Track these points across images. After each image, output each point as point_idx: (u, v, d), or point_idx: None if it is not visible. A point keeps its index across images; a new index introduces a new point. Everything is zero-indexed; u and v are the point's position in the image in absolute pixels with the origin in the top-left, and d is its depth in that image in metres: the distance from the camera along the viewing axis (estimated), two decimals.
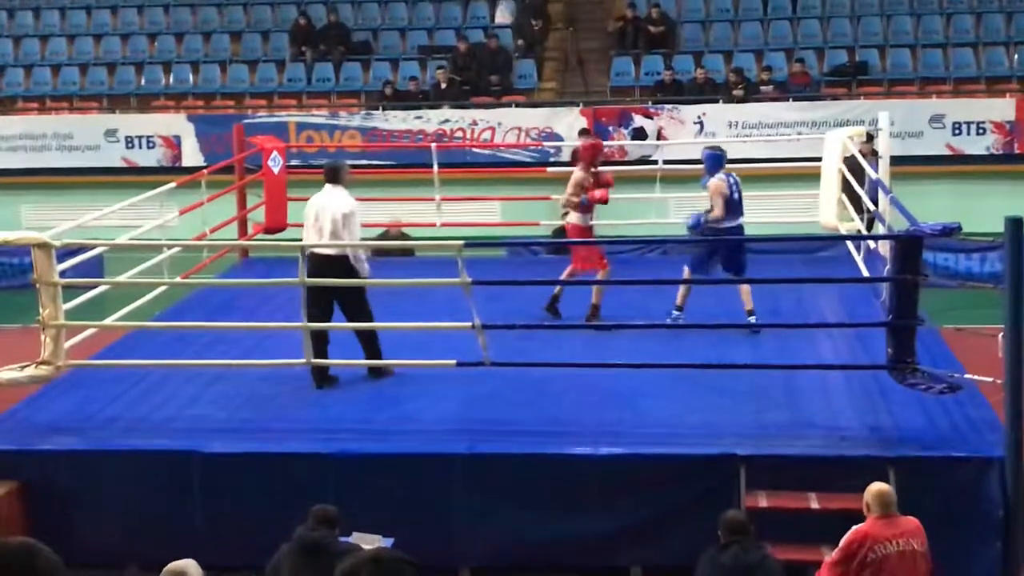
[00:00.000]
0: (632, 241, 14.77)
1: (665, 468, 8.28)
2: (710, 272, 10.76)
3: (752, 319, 10.43)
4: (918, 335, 8.31)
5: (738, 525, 7.02)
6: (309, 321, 8.99)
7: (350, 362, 9.49)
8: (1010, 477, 7.87)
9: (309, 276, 9.06)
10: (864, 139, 15.02)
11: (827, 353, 9.99)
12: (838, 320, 10.81)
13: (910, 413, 8.71)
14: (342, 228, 9.60)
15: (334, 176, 9.93)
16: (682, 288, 10.75)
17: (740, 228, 10.91)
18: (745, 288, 10.60)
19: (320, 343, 9.47)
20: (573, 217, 11.20)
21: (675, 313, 10.68)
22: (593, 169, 11.17)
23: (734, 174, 10.94)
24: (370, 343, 9.63)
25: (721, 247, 10.68)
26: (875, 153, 15.99)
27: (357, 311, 9.55)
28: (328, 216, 9.66)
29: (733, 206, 10.77)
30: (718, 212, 10.73)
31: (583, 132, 18.60)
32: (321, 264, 9.47)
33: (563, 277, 11.14)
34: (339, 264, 9.45)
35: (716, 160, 10.94)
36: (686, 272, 10.80)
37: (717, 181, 10.76)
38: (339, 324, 9.63)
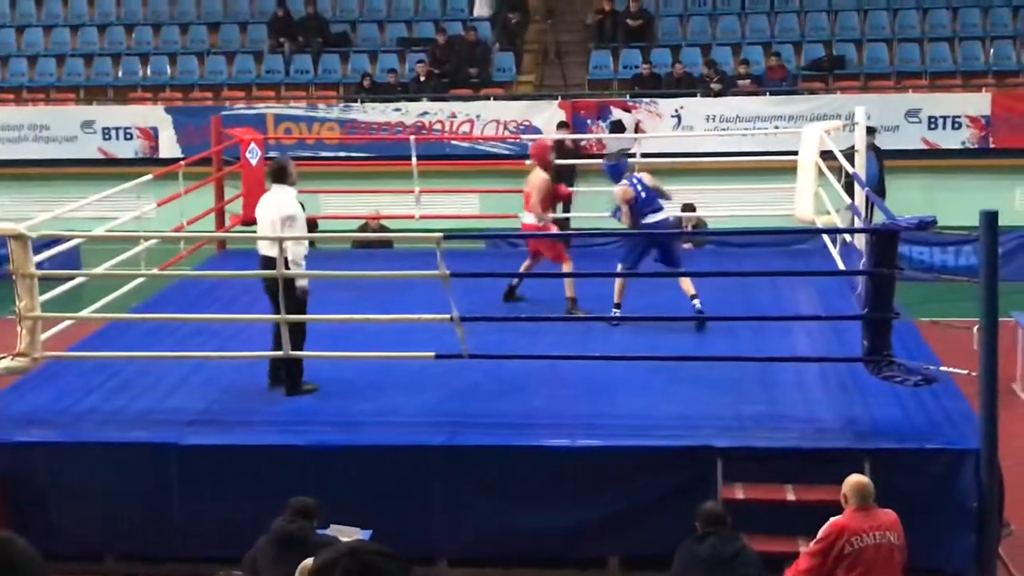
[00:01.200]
0: (608, 234, 14.78)
1: (642, 460, 8.31)
2: (640, 267, 10.85)
3: (696, 302, 10.51)
4: (894, 328, 8.35)
5: (715, 516, 7.06)
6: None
7: (323, 354, 9.46)
8: (984, 469, 7.92)
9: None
10: (866, 132, 15.23)
11: (803, 346, 10.03)
12: (815, 313, 10.86)
13: (886, 405, 8.75)
14: (281, 230, 9.19)
15: (279, 175, 9.56)
16: (618, 284, 10.82)
17: (667, 222, 11.04)
18: (686, 280, 10.69)
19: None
20: (528, 217, 11.39)
21: (614, 310, 10.73)
22: (551, 166, 11.51)
23: (638, 175, 11.02)
24: (295, 367, 9.33)
25: (653, 241, 10.76)
26: (876, 147, 16.17)
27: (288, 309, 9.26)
28: (267, 219, 9.36)
29: (645, 204, 10.85)
30: (626, 220, 10.90)
31: (561, 125, 18.67)
32: (264, 266, 9.38)
33: (523, 269, 11.40)
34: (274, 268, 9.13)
35: (614, 171, 11.16)
36: (619, 268, 10.86)
37: (620, 187, 10.92)
38: (313, 316, 9.60)
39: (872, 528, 6.85)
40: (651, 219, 10.87)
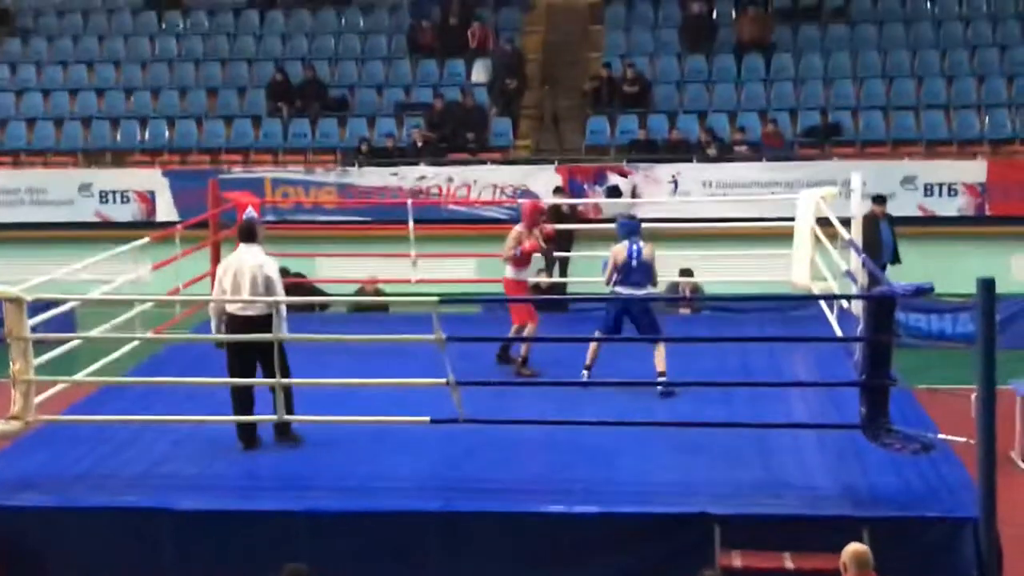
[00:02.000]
0: (606, 299, 14.77)
1: (639, 526, 8.25)
2: (619, 333, 10.87)
3: (663, 378, 10.49)
4: (891, 395, 8.33)
5: None
6: (232, 374, 9.38)
7: (319, 418, 9.42)
8: (984, 537, 7.87)
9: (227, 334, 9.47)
10: (877, 202, 16.08)
11: (800, 413, 9.99)
12: (812, 379, 10.83)
13: (884, 473, 8.71)
14: (262, 285, 9.46)
15: (249, 235, 9.80)
16: (592, 347, 10.85)
17: (640, 301, 10.92)
18: (660, 351, 10.67)
19: (246, 402, 9.52)
20: (508, 272, 11.54)
21: (584, 372, 10.77)
22: (535, 229, 11.62)
23: (641, 244, 10.98)
24: (285, 403, 9.34)
25: (631, 309, 10.76)
26: (888, 216, 16.36)
27: (271, 369, 9.25)
28: (248, 275, 9.51)
29: (628, 274, 10.84)
30: (607, 277, 10.97)
31: (557, 190, 18.74)
32: (243, 324, 9.44)
33: (512, 333, 11.46)
34: (261, 324, 9.31)
35: (625, 227, 11.15)
36: (596, 334, 10.89)
37: (617, 247, 10.97)
38: (309, 380, 9.59)
39: None
40: (623, 291, 10.86)
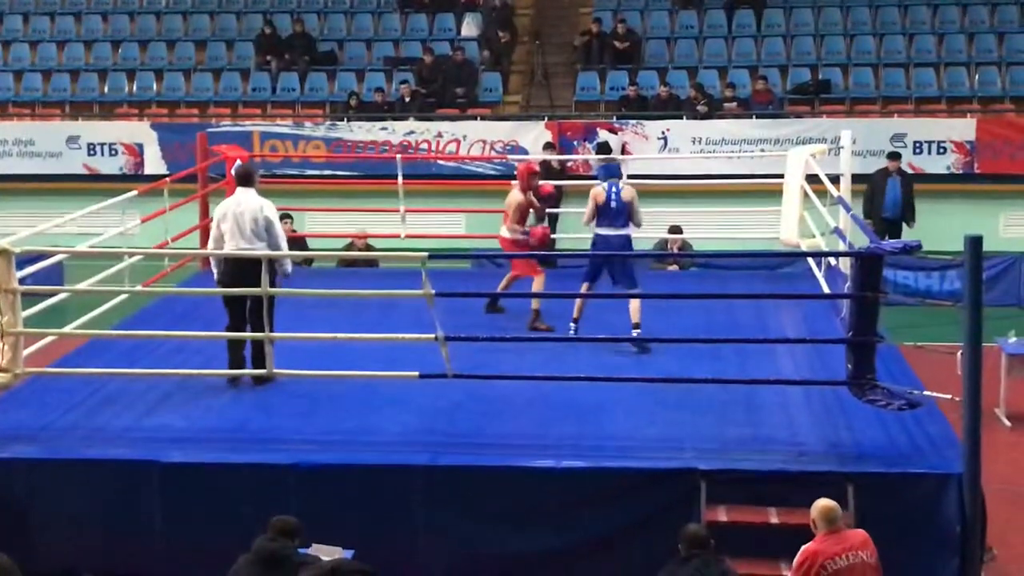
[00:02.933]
0: (595, 255, 14.76)
1: (626, 481, 8.29)
2: (597, 284, 10.95)
3: (636, 332, 10.55)
4: (878, 352, 8.36)
5: (698, 539, 7.06)
6: (231, 322, 9.65)
7: (307, 372, 9.44)
8: (967, 493, 7.93)
9: (227, 276, 9.67)
10: (891, 157, 16.75)
11: (787, 369, 10.03)
12: (799, 336, 10.86)
13: (869, 429, 8.75)
14: (263, 229, 9.73)
15: (246, 179, 10.04)
16: (578, 301, 10.89)
17: (620, 239, 10.96)
18: (635, 304, 10.71)
19: (238, 347, 9.76)
20: (504, 231, 11.54)
21: (571, 326, 10.82)
22: (531, 191, 11.60)
23: (620, 185, 10.99)
24: (259, 348, 9.52)
25: (612, 261, 10.80)
26: (902, 173, 16.77)
27: (260, 316, 9.34)
28: (248, 216, 9.73)
29: (607, 215, 10.89)
30: (586, 217, 11.02)
31: (547, 146, 18.70)
32: (245, 263, 9.55)
33: (503, 284, 11.68)
34: (257, 265, 9.29)
35: (605, 170, 11.27)
36: (584, 287, 10.94)
37: (597, 188, 11.02)
38: (298, 334, 9.61)
39: (844, 550, 6.93)
40: (603, 231, 10.91)
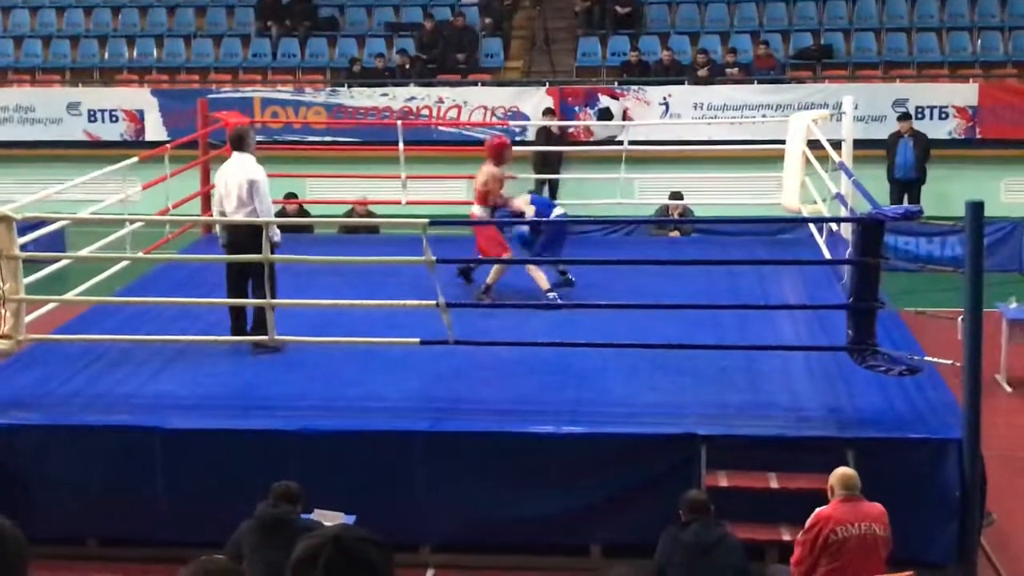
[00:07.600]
0: (597, 221, 14.80)
1: (626, 447, 8.32)
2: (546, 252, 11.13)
3: (552, 295, 10.78)
4: (878, 317, 8.37)
5: (698, 504, 7.09)
6: (230, 290, 9.60)
7: (309, 339, 9.45)
8: (967, 459, 7.95)
9: (226, 244, 9.75)
10: (901, 119, 17.24)
11: (788, 335, 10.04)
12: (800, 302, 10.87)
13: (870, 394, 8.77)
14: (247, 194, 9.67)
15: (239, 143, 10.00)
16: (540, 272, 10.99)
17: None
18: (536, 271, 10.91)
19: (240, 313, 9.78)
20: (476, 209, 11.37)
21: (550, 295, 10.85)
22: (503, 163, 11.53)
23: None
24: (260, 314, 9.52)
25: (544, 231, 10.98)
26: (915, 133, 16.96)
27: (261, 282, 9.31)
28: (235, 182, 9.73)
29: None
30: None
31: (548, 112, 18.66)
32: (233, 231, 9.61)
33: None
34: (250, 232, 9.37)
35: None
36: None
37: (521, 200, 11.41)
38: (299, 301, 9.62)
39: (857, 519, 6.93)
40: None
